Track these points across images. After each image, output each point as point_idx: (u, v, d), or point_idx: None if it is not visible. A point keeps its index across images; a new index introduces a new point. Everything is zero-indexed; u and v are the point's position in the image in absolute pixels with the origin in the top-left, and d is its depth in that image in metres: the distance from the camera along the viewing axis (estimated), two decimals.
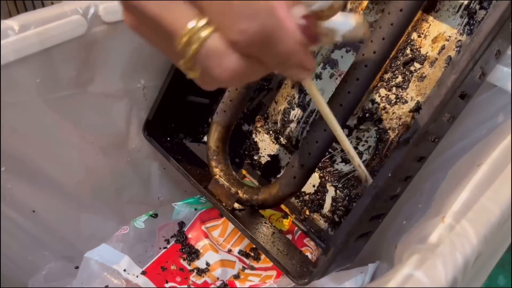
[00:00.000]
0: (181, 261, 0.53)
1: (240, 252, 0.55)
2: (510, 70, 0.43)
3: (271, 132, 0.59)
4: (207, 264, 0.53)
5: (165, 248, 0.54)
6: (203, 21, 0.24)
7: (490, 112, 0.46)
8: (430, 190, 0.46)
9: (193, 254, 0.54)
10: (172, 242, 0.55)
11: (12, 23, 0.43)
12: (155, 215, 0.56)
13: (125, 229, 0.54)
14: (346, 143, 0.39)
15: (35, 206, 0.52)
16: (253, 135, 0.61)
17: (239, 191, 0.49)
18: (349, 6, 0.53)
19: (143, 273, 0.51)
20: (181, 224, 0.57)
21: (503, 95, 0.45)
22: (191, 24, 0.24)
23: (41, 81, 0.47)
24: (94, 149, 0.56)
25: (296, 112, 0.57)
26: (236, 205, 0.50)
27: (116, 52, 0.52)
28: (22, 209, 0.51)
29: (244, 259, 0.54)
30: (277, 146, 0.59)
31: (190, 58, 0.25)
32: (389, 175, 0.38)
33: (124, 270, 0.50)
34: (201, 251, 0.54)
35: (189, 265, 0.53)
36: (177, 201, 0.60)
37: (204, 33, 0.24)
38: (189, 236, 0.55)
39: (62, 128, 0.52)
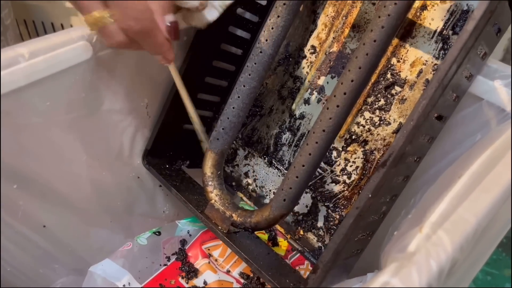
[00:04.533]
0: (180, 279, 0.54)
1: (241, 274, 0.55)
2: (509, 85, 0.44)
3: (264, 156, 0.61)
4: (205, 283, 0.54)
5: (165, 265, 0.55)
6: (106, 13, 0.42)
7: (477, 124, 0.47)
8: (419, 201, 0.46)
9: (191, 272, 0.55)
10: (173, 259, 0.56)
11: (22, 50, 0.45)
12: (158, 233, 0.58)
13: (129, 245, 0.55)
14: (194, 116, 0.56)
15: (45, 221, 0.54)
16: (248, 159, 0.63)
17: (233, 215, 0.51)
18: (332, 35, 0.55)
19: None
20: (183, 242, 0.58)
21: (489, 108, 0.46)
22: (98, 13, 0.42)
23: (51, 104, 0.50)
24: (101, 165, 0.58)
25: (287, 136, 0.59)
26: (231, 227, 0.52)
27: (120, 73, 0.55)
28: (33, 224, 0.53)
29: (243, 280, 0.55)
30: (270, 169, 0.61)
31: (94, 28, 0.44)
32: (369, 195, 0.40)
33: (124, 286, 0.52)
34: (199, 270, 0.55)
35: (187, 283, 0.54)
36: (181, 215, 0.61)
37: (106, 20, 0.43)
38: (190, 254, 0.56)
39: (70, 146, 0.54)
